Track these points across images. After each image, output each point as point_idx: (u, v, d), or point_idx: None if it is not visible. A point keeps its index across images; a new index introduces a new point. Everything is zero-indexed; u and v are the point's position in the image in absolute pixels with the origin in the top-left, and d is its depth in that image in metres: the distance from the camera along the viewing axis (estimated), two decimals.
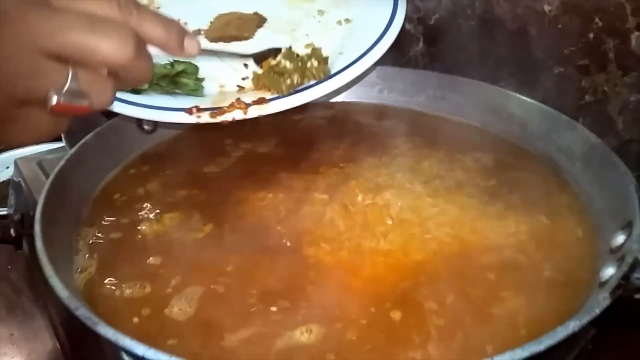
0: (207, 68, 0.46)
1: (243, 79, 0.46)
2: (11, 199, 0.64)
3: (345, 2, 0.51)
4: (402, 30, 0.68)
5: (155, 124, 0.49)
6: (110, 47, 0.26)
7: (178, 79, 0.45)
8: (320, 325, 0.29)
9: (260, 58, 0.47)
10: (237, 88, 0.46)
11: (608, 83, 0.52)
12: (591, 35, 0.52)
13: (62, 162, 0.41)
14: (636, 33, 0.49)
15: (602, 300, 0.23)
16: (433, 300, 0.30)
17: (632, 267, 0.25)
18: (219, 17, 0.51)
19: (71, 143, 0.60)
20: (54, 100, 0.26)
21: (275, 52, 0.47)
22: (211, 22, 0.51)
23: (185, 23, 0.49)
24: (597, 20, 0.51)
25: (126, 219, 0.40)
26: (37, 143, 0.27)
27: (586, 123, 0.53)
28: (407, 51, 0.69)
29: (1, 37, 0.24)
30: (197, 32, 0.49)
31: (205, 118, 0.40)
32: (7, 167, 0.89)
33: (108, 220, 0.40)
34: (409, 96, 0.54)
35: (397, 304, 0.30)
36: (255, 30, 0.50)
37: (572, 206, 0.38)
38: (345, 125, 0.51)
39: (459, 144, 0.47)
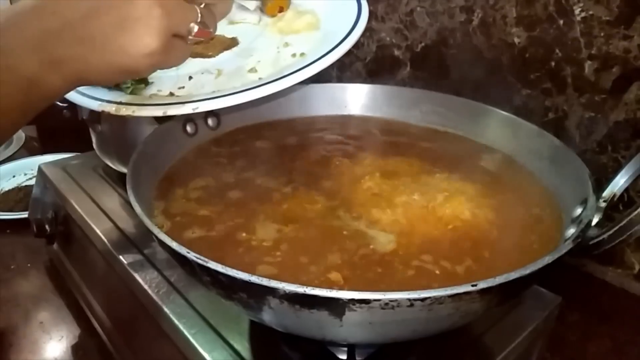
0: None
1: (180, 87, 0.46)
2: (36, 202, 0.69)
3: (313, 38, 0.51)
4: (392, 55, 0.76)
5: (196, 128, 0.55)
6: None
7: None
8: None
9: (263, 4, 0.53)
10: (169, 94, 0.45)
11: (567, 103, 0.58)
12: (553, 64, 0.58)
13: (137, 149, 0.46)
14: (589, 62, 0.55)
15: (565, 245, 0.31)
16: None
17: (587, 225, 0.34)
18: None
19: (100, 147, 0.66)
20: (195, 29, 0.36)
21: None
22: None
23: None
24: (557, 51, 0.57)
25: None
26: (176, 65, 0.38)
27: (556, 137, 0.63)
28: (396, 75, 0.76)
29: None
30: None
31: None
32: (14, 176, 0.93)
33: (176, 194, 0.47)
34: (404, 111, 0.60)
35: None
36: (220, 51, 0.51)
37: (542, 194, 0.45)
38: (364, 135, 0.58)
39: (449, 151, 0.54)
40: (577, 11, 0.56)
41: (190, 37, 0.36)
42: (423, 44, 0.72)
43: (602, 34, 0.54)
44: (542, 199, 0.44)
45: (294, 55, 0.48)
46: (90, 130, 0.65)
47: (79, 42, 0.32)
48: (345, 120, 0.61)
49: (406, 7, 0.72)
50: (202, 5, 0.36)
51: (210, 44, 0.50)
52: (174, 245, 0.32)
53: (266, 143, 0.56)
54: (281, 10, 0.54)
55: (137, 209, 0.36)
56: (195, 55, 0.49)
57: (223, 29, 0.52)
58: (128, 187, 0.39)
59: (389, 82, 0.76)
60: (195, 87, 0.45)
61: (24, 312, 0.63)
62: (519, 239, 0.40)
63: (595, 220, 0.34)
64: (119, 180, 0.65)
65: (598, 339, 0.53)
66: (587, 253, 0.33)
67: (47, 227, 0.64)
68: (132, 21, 0.32)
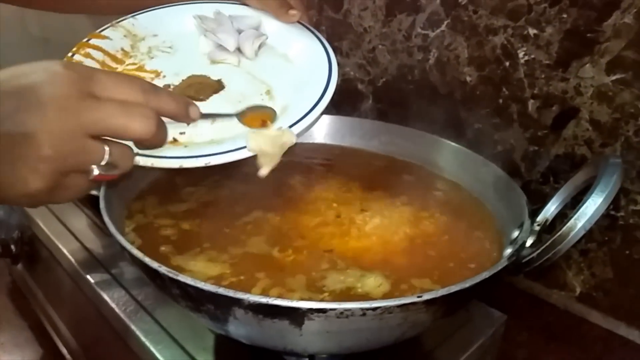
0: None
1: (181, 133, 0.46)
2: (1, 223, 0.69)
3: (287, 85, 0.52)
4: (355, 89, 0.81)
5: None
6: (139, 127, 0.31)
7: None
8: None
9: (241, 116, 0.49)
10: (172, 139, 0.45)
11: (513, 137, 0.62)
12: (500, 101, 0.63)
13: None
14: (532, 101, 0.60)
15: (500, 262, 0.35)
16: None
17: (521, 246, 0.38)
18: (190, 78, 0.53)
19: None
20: (95, 172, 0.31)
21: (254, 109, 0.49)
22: (183, 80, 0.52)
23: (164, 76, 0.52)
24: (504, 89, 0.62)
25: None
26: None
27: (498, 166, 0.60)
28: (359, 107, 0.79)
29: (58, 124, 0.28)
30: (167, 87, 0.52)
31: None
32: None
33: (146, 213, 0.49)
34: (365, 140, 0.64)
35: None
36: (211, 95, 0.51)
37: (485, 218, 0.49)
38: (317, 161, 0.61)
39: (403, 178, 0.58)
40: (520, 54, 0.61)
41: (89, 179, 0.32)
42: (384, 79, 0.76)
43: (543, 76, 0.59)
44: (486, 223, 0.49)
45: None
46: None
47: None
48: (311, 147, 0.65)
49: (369, 45, 0.77)
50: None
51: (201, 87, 0.51)
52: (147, 260, 0.34)
53: (231, 169, 0.59)
54: (264, 124, 0.48)
55: (110, 226, 0.38)
56: (189, 98, 0.49)
57: (206, 69, 0.54)
58: (101, 205, 0.41)
59: (352, 113, 0.80)
60: (194, 132, 0.45)
61: None
62: (462, 258, 0.43)
63: (529, 242, 0.38)
64: (87, 202, 0.67)
65: (545, 358, 0.56)
66: (520, 270, 0.37)
67: (12, 247, 0.64)
68: (19, 160, 0.28)
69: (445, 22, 0.67)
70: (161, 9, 0.59)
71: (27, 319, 0.65)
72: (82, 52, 0.51)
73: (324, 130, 0.66)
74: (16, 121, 0.28)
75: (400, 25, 0.72)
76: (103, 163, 0.31)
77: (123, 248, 0.37)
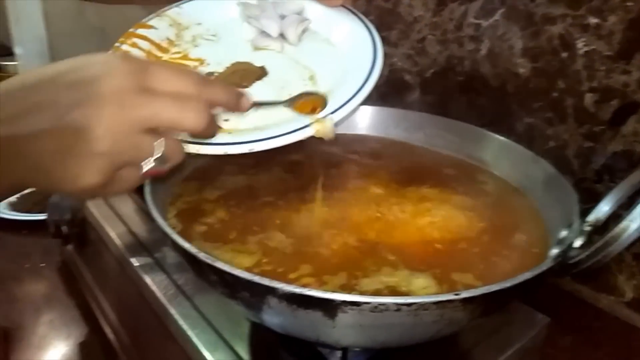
0: None
1: (225, 120, 0.45)
2: (54, 205, 0.72)
3: (330, 70, 0.51)
4: (403, 80, 0.79)
5: None
6: (192, 121, 0.31)
7: None
8: None
9: (291, 103, 0.49)
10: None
11: (567, 132, 0.60)
12: (555, 94, 0.60)
13: None
14: (589, 94, 0.57)
15: (545, 263, 0.33)
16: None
17: (569, 246, 0.35)
18: (233, 65, 0.53)
19: None
20: (148, 165, 0.31)
21: (304, 95, 0.49)
22: (226, 67, 0.52)
23: (208, 64, 0.52)
24: (559, 82, 0.59)
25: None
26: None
27: (549, 163, 0.62)
28: (406, 98, 0.78)
29: (115, 120, 0.29)
30: (211, 74, 0.52)
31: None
32: None
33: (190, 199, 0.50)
34: (410, 133, 0.62)
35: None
36: (254, 82, 0.51)
37: (532, 216, 0.47)
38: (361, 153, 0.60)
39: (448, 173, 0.56)
40: (579, 45, 0.58)
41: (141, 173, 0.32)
42: (433, 70, 0.75)
43: (602, 68, 0.56)
44: (533, 221, 0.46)
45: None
46: None
47: (20, 159, 0.29)
48: (354, 139, 0.64)
49: (418, 35, 0.75)
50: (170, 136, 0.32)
51: (244, 74, 0.52)
52: (186, 245, 0.35)
53: (277, 156, 0.59)
54: (314, 110, 0.47)
55: (153, 211, 0.39)
56: (231, 85, 0.50)
57: (250, 55, 0.54)
58: (145, 190, 0.42)
59: (399, 105, 0.79)
60: (237, 119, 0.46)
61: (35, 309, 0.66)
62: (506, 256, 0.42)
63: (579, 243, 0.36)
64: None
65: None
66: (567, 272, 0.35)
67: (64, 228, 0.67)
68: (76, 155, 0.29)
69: (500, 11, 0.65)
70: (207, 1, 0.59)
71: (75, 298, 0.67)
72: (129, 41, 0.52)
73: (367, 121, 0.65)
74: (75, 116, 0.29)
75: (452, 15, 0.70)
76: (155, 157, 0.31)
77: (164, 233, 0.37)
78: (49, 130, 0.29)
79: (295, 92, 0.50)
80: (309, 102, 0.48)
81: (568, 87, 0.59)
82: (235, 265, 0.34)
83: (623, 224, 0.32)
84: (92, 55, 0.31)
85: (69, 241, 0.70)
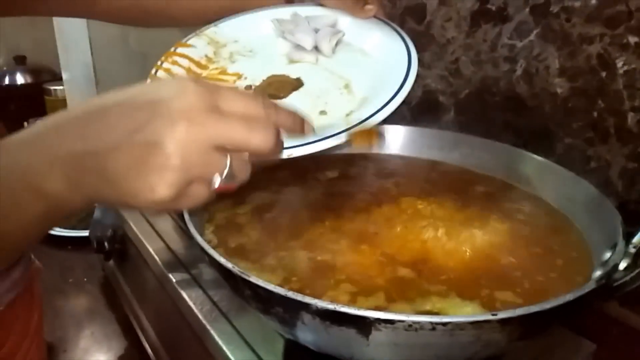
0: None
1: None
2: (97, 222, 0.75)
3: (365, 78, 0.52)
4: (437, 101, 0.79)
5: None
6: (260, 142, 0.32)
7: None
8: None
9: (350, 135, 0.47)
10: None
11: (609, 153, 0.58)
12: (595, 114, 0.59)
13: None
14: (631, 114, 0.56)
15: (588, 285, 0.32)
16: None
17: (613, 268, 0.34)
18: (270, 77, 0.54)
19: None
20: (218, 182, 0.32)
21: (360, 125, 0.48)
22: (263, 80, 0.54)
23: (245, 78, 0.55)
24: (599, 102, 0.58)
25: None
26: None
27: (591, 183, 0.58)
28: (440, 119, 0.78)
29: (187, 136, 0.30)
30: (249, 87, 0.54)
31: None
32: None
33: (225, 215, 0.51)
34: (445, 153, 0.62)
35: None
36: (290, 92, 0.52)
37: (574, 237, 0.46)
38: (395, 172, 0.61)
39: (485, 193, 0.55)
40: (619, 64, 0.57)
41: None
42: (467, 91, 0.74)
43: None
44: (575, 243, 0.45)
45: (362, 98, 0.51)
46: None
47: (97, 174, 0.31)
48: (385, 159, 0.64)
49: (451, 56, 0.75)
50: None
51: (280, 85, 0.53)
52: (222, 260, 0.35)
53: (313, 178, 0.59)
54: (371, 141, 0.47)
55: (190, 226, 0.40)
56: (269, 96, 0.51)
57: (285, 68, 0.56)
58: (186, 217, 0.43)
59: (433, 126, 0.78)
60: None
61: (77, 322, 0.68)
62: (550, 279, 0.41)
63: (623, 265, 0.35)
64: None
65: None
66: (611, 295, 0.34)
67: (105, 244, 0.69)
68: (148, 169, 0.30)
69: (535, 32, 0.64)
70: (240, 17, 0.62)
71: (116, 311, 0.69)
72: (170, 60, 0.55)
73: (402, 141, 0.65)
74: (147, 132, 0.30)
75: (486, 36, 0.70)
76: (224, 174, 0.32)
77: (201, 248, 0.38)
78: (124, 145, 0.30)
79: (331, 101, 0.50)
80: (365, 136, 0.47)
81: (609, 106, 0.58)
82: (271, 280, 0.34)
83: None
84: (165, 79, 0.34)
85: (110, 257, 0.72)
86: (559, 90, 0.63)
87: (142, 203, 0.31)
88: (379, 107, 0.47)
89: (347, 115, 0.48)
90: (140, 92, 0.32)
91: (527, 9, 0.65)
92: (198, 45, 0.59)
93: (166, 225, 0.67)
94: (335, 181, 0.58)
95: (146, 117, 0.30)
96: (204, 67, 0.57)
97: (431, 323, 0.29)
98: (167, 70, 0.54)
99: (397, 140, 0.64)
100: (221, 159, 0.31)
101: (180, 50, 0.57)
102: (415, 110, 0.82)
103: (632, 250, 0.36)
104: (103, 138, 0.31)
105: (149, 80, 0.53)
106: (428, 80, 0.79)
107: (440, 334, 0.30)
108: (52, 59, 1.38)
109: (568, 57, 0.61)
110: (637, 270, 0.32)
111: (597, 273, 0.36)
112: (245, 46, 0.60)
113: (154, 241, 0.63)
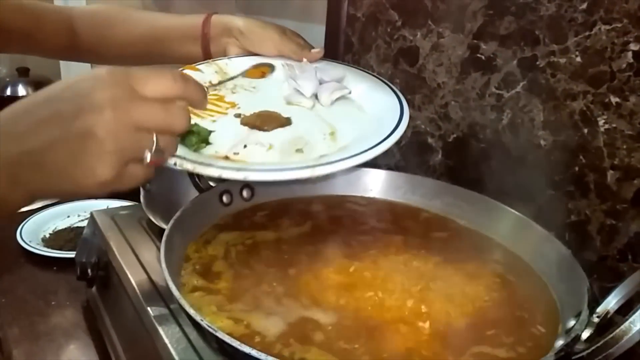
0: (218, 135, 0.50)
1: (235, 153, 0.49)
2: (85, 242, 0.75)
3: (353, 130, 0.54)
4: (425, 142, 0.80)
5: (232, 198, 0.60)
6: (179, 124, 0.37)
7: (187, 135, 0.47)
8: None
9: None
10: (224, 157, 0.48)
11: (589, 208, 0.59)
12: (576, 168, 0.60)
13: (175, 217, 0.52)
14: (611, 171, 0.57)
15: (547, 358, 0.33)
16: None
17: (574, 339, 0.35)
18: (261, 111, 0.56)
19: (147, 203, 0.73)
20: (149, 157, 0.36)
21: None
22: (253, 113, 0.56)
23: (239, 107, 0.57)
24: (581, 157, 0.59)
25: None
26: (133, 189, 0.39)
27: (571, 238, 0.60)
28: (428, 161, 0.79)
29: (114, 123, 0.34)
30: (238, 115, 0.55)
31: None
32: (68, 216, 1.00)
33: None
34: (427, 199, 0.63)
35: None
36: (276, 128, 0.53)
37: (545, 300, 0.46)
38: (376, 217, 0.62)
39: (462, 245, 0.56)
40: (601, 122, 0.58)
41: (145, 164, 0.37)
42: (455, 135, 0.76)
43: (624, 147, 0.56)
44: (545, 305, 0.45)
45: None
46: (140, 187, 0.71)
47: (37, 169, 0.34)
48: (369, 203, 0.65)
49: (441, 100, 0.76)
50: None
51: (268, 119, 0.55)
52: (191, 312, 0.36)
53: (292, 220, 0.60)
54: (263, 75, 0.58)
55: (165, 272, 0.41)
56: (254, 127, 0.54)
57: (281, 107, 0.58)
58: (161, 251, 0.44)
59: (421, 166, 0.80)
60: (247, 155, 0.49)
61: (57, 346, 0.68)
62: (513, 342, 0.41)
63: (586, 335, 0.36)
64: (159, 235, 0.70)
65: None
66: None
67: (89, 271, 0.69)
68: (86, 156, 0.33)
69: (521, 84, 0.66)
70: (255, 57, 0.66)
71: (95, 339, 0.69)
72: None
73: (384, 185, 0.65)
74: (79, 124, 0.33)
75: (474, 84, 0.71)
76: (153, 149, 0.36)
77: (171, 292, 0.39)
78: (59, 139, 0.34)
79: (312, 142, 0.52)
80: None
81: (589, 162, 0.59)
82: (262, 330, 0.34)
83: (624, 325, 0.31)
84: (83, 74, 0.37)
85: (92, 283, 0.72)
86: (542, 143, 0.64)
87: (86, 188, 0.35)
88: (352, 154, 0.48)
89: (321, 157, 0.49)
90: (63, 87, 0.36)
91: (515, 61, 0.66)
92: (206, 71, 0.62)
93: (150, 255, 0.67)
94: (316, 224, 0.59)
95: (74, 111, 0.34)
96: None
97: None
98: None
99: (378, 184, 0.65)
100: (148, 137, 0.36)
101: (186, 71, 0.60)
102: (405, 150, 0.84)
103: (595, 320, 0.37)
104: (36, 136, 0.34)
105: None
106: (418, 122, 0.80)
107: None
108: (55, 72, 1.40)
109: (552, 111, 0.62)
110: (596, 345, 0.33)
111: (559, 342, 0.36)
112: (251, 82, 0.63)
113: (136, 271, 0.63)
